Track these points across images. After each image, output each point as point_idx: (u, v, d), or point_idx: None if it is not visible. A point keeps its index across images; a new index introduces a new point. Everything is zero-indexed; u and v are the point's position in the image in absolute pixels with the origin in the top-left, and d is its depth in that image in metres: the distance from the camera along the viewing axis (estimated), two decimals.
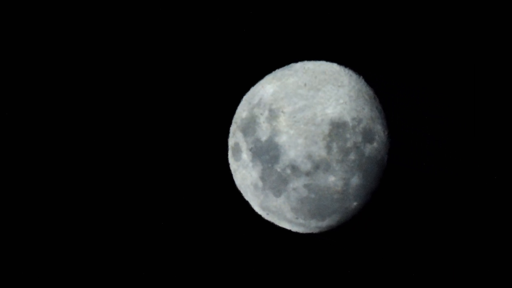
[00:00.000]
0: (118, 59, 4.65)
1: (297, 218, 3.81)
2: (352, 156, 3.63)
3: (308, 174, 3.59)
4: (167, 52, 4.66)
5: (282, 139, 3.59)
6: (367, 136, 3.72)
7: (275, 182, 3.66)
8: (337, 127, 3.60)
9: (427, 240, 4.41)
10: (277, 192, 3.69)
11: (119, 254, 4.63)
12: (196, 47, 4.65)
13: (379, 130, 3.83)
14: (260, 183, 3.74)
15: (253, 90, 3.96)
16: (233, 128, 3.98)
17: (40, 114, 4.61)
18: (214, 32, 4.64)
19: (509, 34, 4.49)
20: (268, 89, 3.80)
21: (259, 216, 4.06)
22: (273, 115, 3.67)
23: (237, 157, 3.86)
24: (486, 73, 4.50)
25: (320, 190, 3.64)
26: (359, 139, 3.67)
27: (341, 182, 3.64)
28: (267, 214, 3.94)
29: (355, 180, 3.69)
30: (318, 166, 3.57)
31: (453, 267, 4.41)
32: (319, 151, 3.56)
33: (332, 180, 3.61)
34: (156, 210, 4.63)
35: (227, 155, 4.06)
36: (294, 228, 3.99)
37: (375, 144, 3.77)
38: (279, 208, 3.77)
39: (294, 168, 3.58)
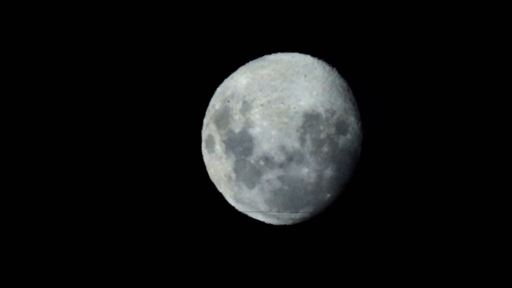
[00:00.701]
0: (93, 53, 4.64)
1: (270, 210, 3.84)
2: (325, 148, 3.68)
3: (281, 166, 3.63)
4: (141, 44, 4.67)
5: (255, 131, 3.63)
6: (341, 128, 3.77)
7: (249, 174, 3.70)
8: (311, 119, 3.65)
9: (399, 231, 4.47)
10: (251, 184, 3.73)
11: (91, 245, 4.63)
12: (170, 39, 4.66)
13: (352, 122, 3.88)
14: (233, 175, 3.77)
15: (227, 82, 3.99)
16: (206, 120, 4.01)
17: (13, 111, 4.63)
18: (188, 24, 4.64)
19: (484, 22, 4.54)
20: (241, 80, 3.84)
21: (233, 208, 4.10)
22: (246, 107, 3.70)
23: (211, 149, 3.89)
24: (458, 62, 4.56)
25: (293, 182, 3.69)
26: (333, 131, 3.72)
27: (315, 173, 3.68)
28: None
29: (328, 172, 3.74)
30: (292, 158, 3.62)
31: (426, 257, 4.46)
32: (293, 143, 3.61)
33: (305, 172, 3.66)
34: (130, 202, 4.64)
35: (200, 147, 4.08)
36: (268, 220, 4.04)
37: (348, 136, 3.82)
38: (252, 200, 3.82)
39: (267, 160, 3.62)
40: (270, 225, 4.17)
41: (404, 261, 4.47)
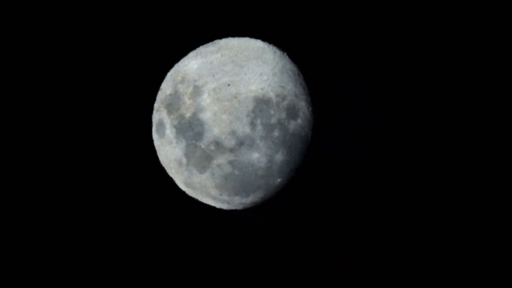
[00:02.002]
0: (44, 36, 4.63)
1: (221, 195, 3.93)
2: (276, 133, 3.78)
3: (232, 150, 3.72)
4: (92, 29, 4.66)
5: (206, 116, 3.71)
6: (291, 112, 3.87)
7: (199, 159, 3.78)
8: (261, 104, 3.73)
9: (349, 214, 4.58)
10: (201, 169, 3.81)
11: (43, 232, 4.65)
12: (121, 24, 4.67)
13: (303, 106, 3.98)
14: (184, 160, 3.85)
15: (177, 66, 4.04)
16: (157, 104, 4.05)
17: None
18: (138, 9, 4.65)
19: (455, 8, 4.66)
20: (192, 65, 3.89)
21: (183, 193, 4.16)
22: (197, 91, 3.77)
23: (161, 134, 3.94)
24: (401, 42, 4.65)
25: (244, 167, 3.78)
26: (283, 115, 3.82)
27: (265, 158, 3.78)
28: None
29: (279, 157, 3.84)
30: (242, 142, 3.71)
31: (375, 242, 4.60)
32: (243, 128, 3.70)
33: (256, 156, 3.75)
34: (81, 186, 4.65)
35: (151, 131, 4.13)
36: (218, 205, 4.11)
37: (299, 121, 3.92)
38: (203, 184, 3.89)
39: (218, 144, 3.71)
40: (220, 210, 4.25)
41: (352, 243, 4.59)
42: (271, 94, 3.78)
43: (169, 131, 3.87)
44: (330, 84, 4.57)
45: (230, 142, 3.71)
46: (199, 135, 3.74)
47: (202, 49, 4.01)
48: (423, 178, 4.61)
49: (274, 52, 4.00)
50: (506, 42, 4.57)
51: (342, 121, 4.59)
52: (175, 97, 3.86)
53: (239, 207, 4.17)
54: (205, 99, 3.73)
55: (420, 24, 4.63)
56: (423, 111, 4.60)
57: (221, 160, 3.75)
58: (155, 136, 4.07)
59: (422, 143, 4.60)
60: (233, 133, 3.70)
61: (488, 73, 4.59)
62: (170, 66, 4.13)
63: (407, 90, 4.59)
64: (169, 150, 3.92)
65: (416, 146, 4.60)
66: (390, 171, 4.61)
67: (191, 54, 4.03)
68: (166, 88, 4.00)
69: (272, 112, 3.77)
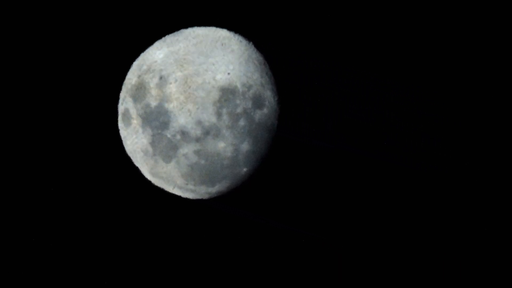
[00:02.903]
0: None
1: (187, 184, 3.99)
2: (242, 122, 3.85)
3: (198, 140, 3.77)
4: (57, 18, 4.66)
5: (172, 105, 3.76)
6: (257, 102, 3.94)
7: (165, 148, 3.83)
8: (227, 93, 3.80)
9: (315, 204, 4.66)
10: (167, 158, 3.86)
11: (10, 225, 4.68)
12: (87, 13, 4.67)
13: (269, 96, 4.05)
14: (150, 149, 3.90)
15: (143, 56, 4.08)
16: (123, 94, 4.09)
17: None
18: None
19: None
20: (158, 55, 3.94)
21: (149, 182, 4.21)
22: (163, 81, 3.82)
23: (127, 123, 3.98)
24: (368, 29, 4.72)
25: (210, 156, 3.83)
26: (249, 105, 3.89)
27: (231, 148, 3.85)
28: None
29: (245, 146, 3.91)
30: (208, 132, 3.76)
31: (340, 227, 4.68)
32: (209, 117, 3.75)
33: (222, 146, 3.82)
34: (46, 176, 4.67)
35: (117, 121, 4.17)
36: (184, 194, 4.17)
37: (265, 110, 3.99)
38: (169, 174, 3.95)
39: (184, 134, 3.76)
40: (186, 199, 4.30)
41: (317, 232, 4.64)
42: (237, 84, 3.85)
43: (135, 121, 3.91)
44: (295, 73, 4.65)
45: (196, 132, 3.76)
46: (165, 125, 3.79)
47: (168, 38, 4.05)
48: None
49: (240, 41, 4.06)
50: (498, 41, 4.64)
51: (308, 110, 4.66)
52: (141, 86, 3.90)
53: (205, 197, 4.23)
54: (171, 89, 3.78)
55: (394, 12, 4.73)
56: (391, 100, 4.69)
57: (187, 149, 3.81)
58: (121, 125, 4.10)
59: (390, 130, 4.69)
60: (199, 122, 3.76)
61: (481, 70, 4.68)
62: (136, 55, 4.16)
63: (371, 78, 4.68)
64: (135, 140, 3.97)
65: (380, 131, 4.69)
66: (353, 158, 4.69)
67: (157, 43, 4.07)
68: (131, 77, 4.03)
69: (238, 101, 3.84)
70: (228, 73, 3.84)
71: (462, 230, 4.66)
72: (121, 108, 4.09)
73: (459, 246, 4.67)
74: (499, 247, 4.60)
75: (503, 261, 4.58)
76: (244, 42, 4.10)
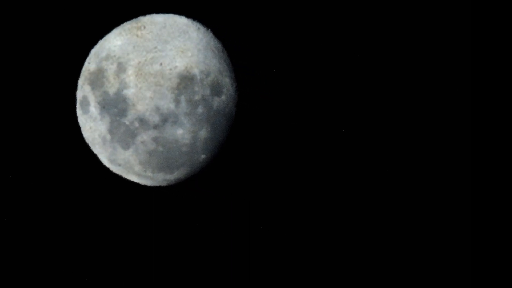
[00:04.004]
0: None
1: (145, 171, 4.05)
2: (200, 109, 3.92)
3: (156, 127, 3.84)
4: (13, 4, 4.65)
5: (130, 92, 3.82)
6: (215, 89, 4.02)
7: (123, 135, 3.89)
8: (185, 80, 3.87)
9: (273, 193, 4.74)
10: (125, 145, 3.92)
11: None
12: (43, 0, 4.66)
13: (227, 83, 4.13)
14: (108, 136, 3.95)
15: (101, 43, 4.12)
16: (81, 81, 4.12)
17: None
18: None
19: None
20: (116, 42, 3.99)
21: (107, 169, 4.26)
22: (121, 68, 3.88)
23: (85, 110, 4.02)
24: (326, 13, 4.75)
25: (168, 143, 3.91)
26: (207, 92, 3.96)
27: (189, 135, 3.93)
28: (119, 165, 4.12)
29: (203, 133, 3.99)
30: (166, 119, 3.84)
31: (298, 221, 4.76)
32: (167, 104, 3.83)
33: (180, 133, 3.90)
34: (4, 164, 4.66)
35: (75, 108, 4.20)
36: (142, 181, 4.24)
37: (223, 97, 4.07)
38: (127, 161, 4.01)
39: (142, 121, 3.83)
40: (144, 186, 4.37)
41: (276, 222, 4.74)
42: (195, 71, 3.92)
43: (93, 108, 3.96)
44: (254, 60, 4.71)
45: (154, 119, 3.84)
46: (123, 112, 3.85)
47: (126, 25, 4.09)
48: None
49: (198, 28, 4.13)
50: (497, 41, 4.65)
51: (266, 97, 4.74)
52: (99, 73, 3.95)
53: (163, 184, 4.29)
54: (129, 76, 3.84)
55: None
56: (352, 87, 4.79)
57: (145, 136, 3.88)
58: (79, 112, 4.14)
59: (349, 118, 4.77)
60: (157, 109, 3.83)
61: (462, 69, 4.72)
62: (94, 42, 4.20)
63: (330, 61, 4.77)
64: (93, 127, 4.01)
65: (339, 117, 4.77)
66: (311, 145, 4.76)
67: (115, 30, 4.11)
68: (90, 64, 4.08)
69: (196, 88, 3.91)
70: (189, 55, 3.92)
71: (459, 230, 4.73)
72: (79, 95, 4.13)
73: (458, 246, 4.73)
74: (498, 247, 4.64)
75: (503, 261, 4.62)
76: (202, 29, 4.16)
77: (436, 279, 4.74)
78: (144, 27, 4.01)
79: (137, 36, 3.97)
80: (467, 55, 4.68)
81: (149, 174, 4.10)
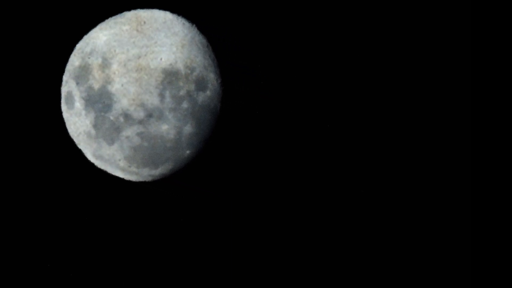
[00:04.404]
0: None
1: (130, 167, 4.08)
2: (185, 105, 3.96)
3: (141, 122, 3.87)
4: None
5: (114, 88, 3.86)
6: (200, 84, 4.05)
7: (108, 131, 3.92)
8: (170, 76, 3.91)
9: (258, 187, 4.77)
10: (110, 141, 3.95)
11: None
12: None
13: (212, 78, 4.16)
14: (93, 132, 3.97)
15: (86, 38, 4.14)
16: (66, 76, 4.14)
17: None
18: None
19: None
20: (101, 37, 4.01)
21: (92, 165, 4.27)
22: (106, 63, 3.91)
23: (70, 106, 4.04)
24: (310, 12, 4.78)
25: (153, 139, 3.94)
26: (192, 87, 4.00)
27: (174, 130, 3.97)
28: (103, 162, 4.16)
29: (188, 129, 4.02)
30: (151, 114, 3.87)
31: (283, 213, 4.79)
32: (152, 100, 3.86)
33: (165, 128, 3.93)
34: None
35: (60, 103, 4.22)
36: (127, 177, 4.26)
37: (208, 93, 4.10)
38: (112, 156, 4.04)
39: (127, 116, 3.86)
40: (129, 182, 4.39)
41: (264, 217, 4.77)
42: (180, 66, 3.96)
43: (78, 103, 3.98)
44: (239, 56, 4.73)
45: (139, 114, 3.87)
46: (108, 107, 3.88)
47: (111, 20, 4.11)
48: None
49: (183, 24, 4.16)
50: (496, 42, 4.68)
51: (251, 93, 4.75)
52: (84, 69, 3.98)
53: (148, 179, 4.31)
54: (114, 71, 3.87)
55: None
56: (334, 82, 4.80)
57: (130, 132, 3.91)
58: (64, 108, 4.16)
59: (335, 113, 4.79)
60: (142, 105, 3.86)
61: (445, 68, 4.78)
62: (79, 37, 4.22)
63: (312, 58, 4.80)
64: (78, 122, 4.04)
65: (324, 112, 4.78)
66: (296, 141, 4.79)
67: (100, 25, 4.13)
68: (75, 60, 4.09)
69: (181, 84, 3.95)
70: (174, 50, 3.95)
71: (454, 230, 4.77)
72: (64, 90, 4.15)
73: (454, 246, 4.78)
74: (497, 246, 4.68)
75: (502, 260, 4.65)
76: (187, 24, 4.19)
77: (436, 278, 4.79)
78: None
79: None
80: (467, 54, 4.74)
81: (134, 169, 4.13)
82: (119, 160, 4.07)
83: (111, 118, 3.90)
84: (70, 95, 4.05)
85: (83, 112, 3.98)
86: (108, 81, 3.89)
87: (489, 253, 4.67)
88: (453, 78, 4.80)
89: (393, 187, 4.83)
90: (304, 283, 4.79)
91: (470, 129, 4.70)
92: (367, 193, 4.82)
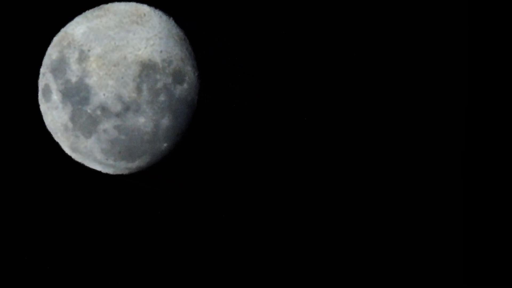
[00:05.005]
0: None
1: (107, 160, 4.11)
2: (162, 98, 4.00)
3: (118, 115, 3.90)
4: None
5: (92, 81, 3.88)
6: (177, 77, 4.09)
7: (85, 123, 3.94)
8: (147, 68, 3.93)
9: (235, 179, 4.83)
10: (87, 133, 3.97)
11: None
12: None
13: (189, 71, 4.20)
14: (70, 124, 3.99)
15: (63, 31, 4.15)
16: (43, 69, 4.15)
17: None
18: None
19: None
20: (78, 30, 4.03)
21: (69, 158, 4.29)
22: (83, 56, 3.93)
23: (47, 98, 4.06)
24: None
25: (130, 131, 3.97)
26: (169, 80, 4.03)
27: (151, 123, 4.00)
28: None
29: (165, 122, 4.06)
30: (128, 107, 3.90)
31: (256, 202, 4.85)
32: (129, 93, 3.89)
33: (142, 121, 3.96)
34: None
35: (37, 96, 4.23)
36: (104, 170, 4.29)
37: (185, 85, 4.14)
38: (89, 149, 4.06)
39: (104, 109, 3.88)
40: (106, 175, 4.41)
41: (241, 208, 4.84)
42: (157, 59, 3.99)
43: (55, 96, 4.00)
44: (216, 49, 4.78)
45: (116, 107, 3.90)
46: (85, 100, 3.90)
47: (88, 13, 4.13)
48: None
49: (160, 17, 4.19)
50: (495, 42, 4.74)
51: (228, 85, 4.81)
52: (61, 62, 4.00)
53: (125, 172, 4.35)
54: (91, 64, 3.90)
55: None
56: (309, 73, 4.85)
57: (107, 125, 3.93)
58: (41, 101, 4.18)
59: (312, 105, 4.84)
60: (119, 98, 3.89)
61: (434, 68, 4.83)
62: (56, 30, 4.23)
63: (288, 50, 4.85)
64: (55, 115, 4.05)
65: (301, 104, 4.85)
66: (272, 133, 4.85)
67: (77, 19, 4.15)
68: (52, 53, 4.11)
69: (158, 77, 3.98)
70: (151, 43, 3.98)
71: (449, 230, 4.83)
72: (41, 83, 4.17)
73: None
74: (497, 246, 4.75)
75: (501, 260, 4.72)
76: (164, 17, 4.23)
77: (428, 278, 4.85)
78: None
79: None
80: (464, 55, 4.80)
81: (111, 162, 4.16)
82: (96, 153, 4.10)
83: (88, 111, 3.92)
84: (47, 88, 4.07)
85: (60, 105, 4.00)
86: (85, 74, 3.91)
87: (480, 250, 4.75)
88: (448, 78, 4.86)
89: (385, 184, 4.90)
90: (283, 274, 4.86)
91: (464, 128, 4.79)
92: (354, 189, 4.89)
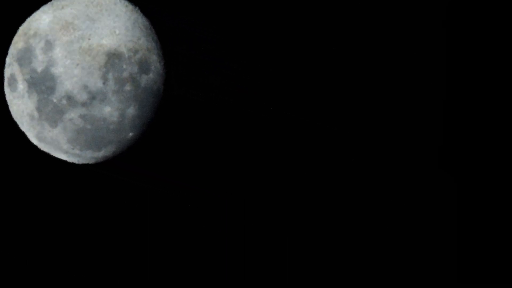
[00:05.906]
0: None
1: (73, 149, 4.14)
2: (128, 87, 4.04)
3: (84, 105, 3.94)
4: None
5: (58, 70, 3.92)
6: (143, 67, 4.13)
7: (51, 113, 3.98)
8: (113, 58, 3.98)
9: (201, 168, 4.89)
10: (53, 123, 4.01)
11: None
12: None
13: (155, 60, 4.25)
14: (36, 114, 4.03)
15: (29, 20, 4.18)
16: (9, 59, 4.19)
17: None
18: None
19: None
20: (44, 19, 4.06)
21: (35, 147, 4.32)
22: (49, 45, 3.96)
23: (13, 88, 4.10)
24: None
25: (96, 121, 4.01)
26: (135, 69, 4.08)
27: (117, 112, 4.05)
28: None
29: (131, 111, 4.11)
30: (94, 97, 3.94)
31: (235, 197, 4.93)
32: (95, 82, 3.93)
33: (108, 110, 4.01)
34: None
35: (3, 86, 4.27)
36: (70, 159, 4.32)
37: (151, 75, 4.20)
38: (55, 138, 4.10)
39: (70, 99, 3.92)
40: (72, 164, 4.43)
41: (203, 198, 4.90)
42: (123, 49, 4.04)
43: (21, 85, 4.04)
44: (181, 38, 4.82)
45: (82, 97, 3.93)
46: (51, 90, 3.94)
47: (54, 3, 4.15)
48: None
49: (126, 6, 4.23)
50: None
51: (194, 75, 4.86)
52: (27, 51, 4.03)
53: (91, 161, 4.39)
54: (57, 54, 3.93)
55: None
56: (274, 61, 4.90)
57: (73, 114, 3.97)
58: (7, 90, 4.22)
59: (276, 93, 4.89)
60: (85, 87, 3.93)
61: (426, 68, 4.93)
62: (22, 20, 4.25)
63: (255, 36, 4.91)
64: (21, 104, 4.10)
65: (267, 93, 4.90)
66: (238, 121, 4.92)
67: (43, 8, 4.17)
68: (18, 42, 4.14)
69: (124, 66, 4.02)
70: (116, 33, 4.03)
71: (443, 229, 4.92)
72: (7, 72, 4.20)
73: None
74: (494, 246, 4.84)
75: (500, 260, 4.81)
76: (130, 6, 4.26)
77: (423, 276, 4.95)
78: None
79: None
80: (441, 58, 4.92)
81: (77, 151, 4.19)
82: (62, 142, 4.13)
83: (54, 100, 3.96)
84: (13, 78, 4.10)
85: (26, 95, 4.03)
86: (51, 63, 3.95)
87: (474, 249, 4.87)
88: (445, 78, 4.95)
89: (384, 184, 4.99)
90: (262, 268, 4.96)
91: (463, 128, 4.89)
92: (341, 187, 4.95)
